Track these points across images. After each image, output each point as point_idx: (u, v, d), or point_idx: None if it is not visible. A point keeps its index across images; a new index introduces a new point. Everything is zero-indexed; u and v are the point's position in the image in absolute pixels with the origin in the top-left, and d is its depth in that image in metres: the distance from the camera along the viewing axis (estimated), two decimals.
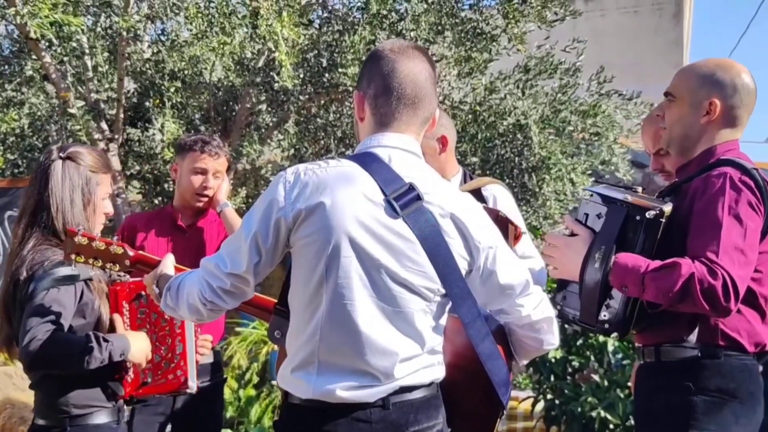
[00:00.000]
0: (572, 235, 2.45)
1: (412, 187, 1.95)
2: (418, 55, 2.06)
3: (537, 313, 2.14)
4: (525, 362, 2.32)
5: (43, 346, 2.42)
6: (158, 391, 2.87)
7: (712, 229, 2.22)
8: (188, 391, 2.91)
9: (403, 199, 1.93)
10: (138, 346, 2.65)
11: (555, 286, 2.51)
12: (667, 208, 2.34)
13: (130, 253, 2.46)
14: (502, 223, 2.76)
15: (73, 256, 2.43)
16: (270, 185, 1.99)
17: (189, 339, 2.87)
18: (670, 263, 2.18)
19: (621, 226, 2.31)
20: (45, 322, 2.45)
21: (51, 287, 2.49)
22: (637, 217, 2.30)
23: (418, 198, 1.95)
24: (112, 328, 2.66)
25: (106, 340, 2.53)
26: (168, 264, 2.30)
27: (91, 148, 2.92)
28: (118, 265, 2.46)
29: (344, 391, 1.90)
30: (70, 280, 2.53)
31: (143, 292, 2.75)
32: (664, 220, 2.31)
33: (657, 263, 2.21)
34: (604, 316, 2.34)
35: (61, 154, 2.66)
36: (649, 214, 2.28)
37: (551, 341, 2.22)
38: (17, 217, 2.69)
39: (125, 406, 2.75)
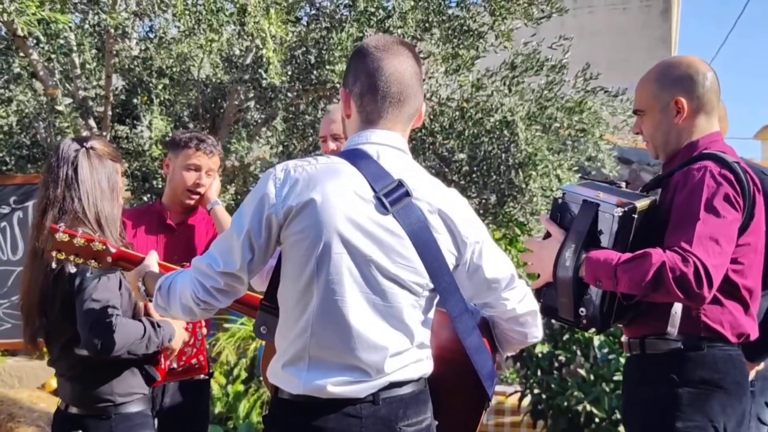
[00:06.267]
0: (547, 236, 2.48)
1: (401, 184, 1.97)
2: (403, 51, 2.07)
3: (522, 307, 2.17)
4: (509, 354, 2.35)
5: (109, 332, 2.48)
6: (182, 376, 2.94)
7: (689, 221, 2.25)
8: (204, 375, 2.98)
9: (392, 196, 1.95)
10: (179, 333, 2.73)
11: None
12: (641, 203, 2.37)
13: (112, 250, 2.43)
14: None
15: (54, 253, 2.41)
16: (259, 182, 2.00)
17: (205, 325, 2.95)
18: (641, 254, 2.21)
19: (591, 224, 2.34)
20: (104, 309, 2.50)
21: (100, 275, 2.54)
22: (607, 215, 2.33)
23: (407, 194, 1.96)
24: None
25: (159, 326, 2.62)
26: (153, 261, 2.31)
27: (100, 138, 2.96)
28: (100, 263, 2.43)
29: (335, 387, 1.92)
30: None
31: None
32: (636, 216, 2.33)
33: (628, 255, 2.24)
34: (582, 311, 2.37)
35: (85, 145, 2.70)
36: (617, 212, 2.31)
37: (535, 334, 2.25)
38: (39, 212, 2.66)
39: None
